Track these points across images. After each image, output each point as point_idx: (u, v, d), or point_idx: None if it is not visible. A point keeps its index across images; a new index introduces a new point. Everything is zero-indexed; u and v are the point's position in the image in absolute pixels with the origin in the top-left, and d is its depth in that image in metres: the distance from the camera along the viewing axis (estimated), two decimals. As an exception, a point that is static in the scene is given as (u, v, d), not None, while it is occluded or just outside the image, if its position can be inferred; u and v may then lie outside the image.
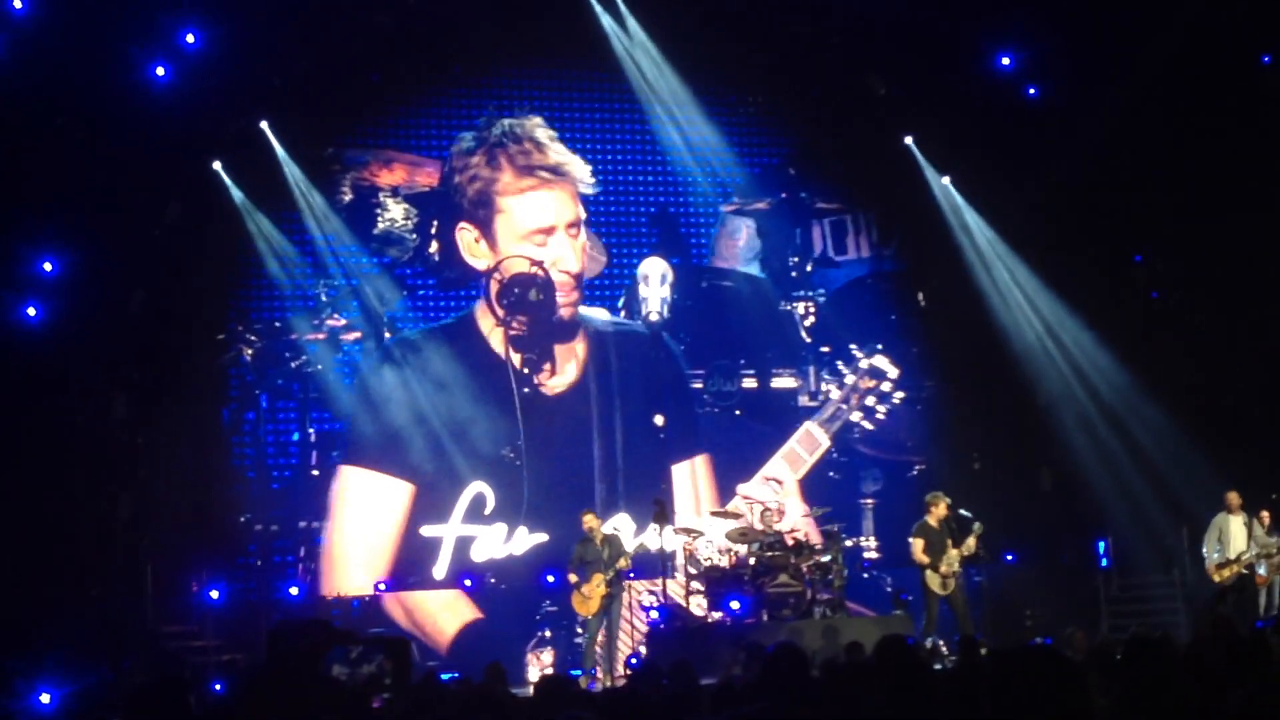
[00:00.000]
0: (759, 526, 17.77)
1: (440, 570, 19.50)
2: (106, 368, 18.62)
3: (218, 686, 12.91)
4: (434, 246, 20.10)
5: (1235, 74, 19.72)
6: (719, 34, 20.63)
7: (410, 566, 19.41)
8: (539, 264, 19.76)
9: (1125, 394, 20.40)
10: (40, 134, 17.50)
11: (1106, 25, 19.57)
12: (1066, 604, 19.56)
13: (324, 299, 19.72)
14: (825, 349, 21.02)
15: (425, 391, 19.64)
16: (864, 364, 20.62)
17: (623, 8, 20.50)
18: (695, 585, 17.73)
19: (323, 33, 19.31)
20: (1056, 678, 4.49)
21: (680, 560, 18.40)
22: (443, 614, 18.99)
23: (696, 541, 18.18)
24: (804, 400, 21.02)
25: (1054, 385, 21.07)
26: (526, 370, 19.92)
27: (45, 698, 13.84)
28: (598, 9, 20.46)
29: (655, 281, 20.55)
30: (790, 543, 17.38)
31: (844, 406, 20.57)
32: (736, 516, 18.44)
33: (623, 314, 20.86)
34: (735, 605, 16.79)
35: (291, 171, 19.65)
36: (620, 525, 19.01)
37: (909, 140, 21.41)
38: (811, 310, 21.28)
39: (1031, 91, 20.90)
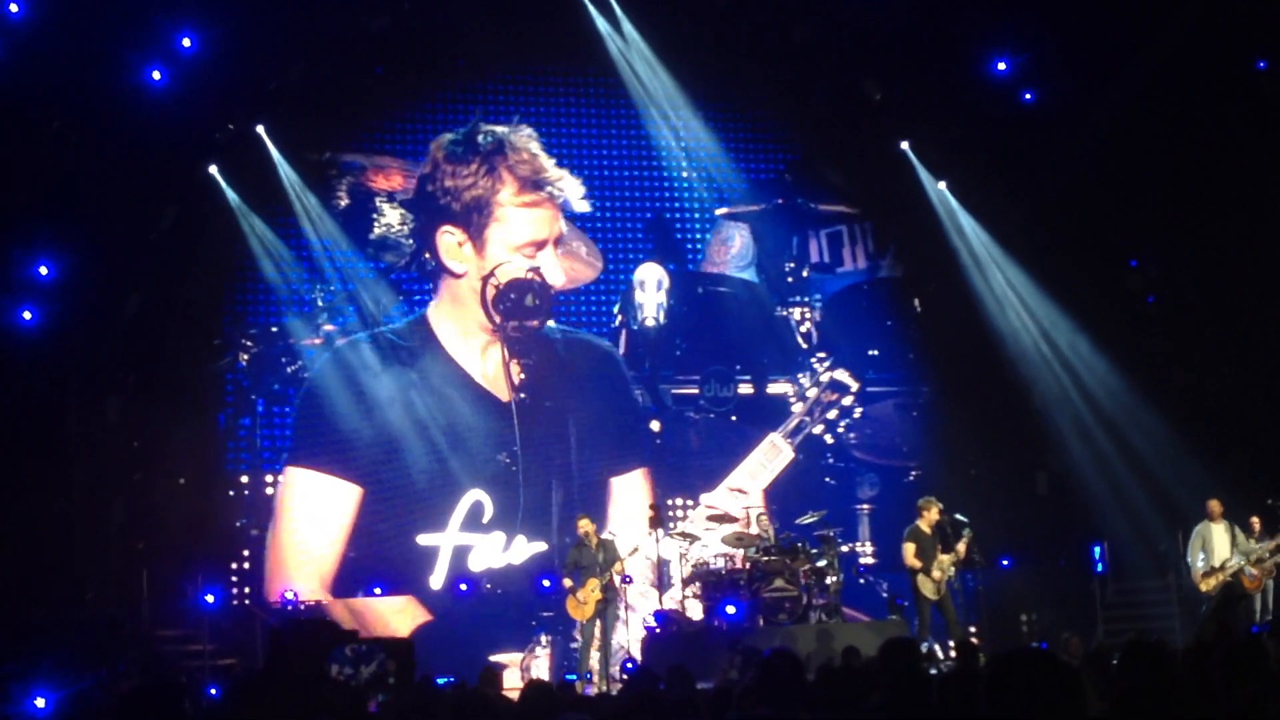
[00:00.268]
0: (755, 531, 17.76)
1: (437, 580, 19.46)
2: (102, 372, 18.60)
3: (213, 691, 12.88)
4: (429, 254, 20.07)
5: (1231, 80, 19.75)
6: (714, 38, 20.65)
7: (359, 572, 19.19)
8: (535, 270, 19.74)
9: (1121, 399, 20.42)
10: (36, 137, 17.51)
11: (1102, 31, 19.59)
12: (1062, 609, 19.60)
13: (320, 304, 19.71)
14: (822, 355, 21.02)
15: (374, 394, 19.54)
16: (825, 377, 20.66)
17: (619, 13, 20.50)
18: (691, 589, 17.72)
19: (319, 37, 19.31)
20: (1051, 682, 4.49)
21: (676, 565, 18.37)
22: (396, 617, 18.75)
23: (692, 546, 18.17)
24: (799, 406, 21.02)
25: (1050, 390, 21.09)
26: (525, 376, 19.88)
27: (40, 702, 13.83)
28: (594, 14, 20.47)
29: (651, 287, 20.58)
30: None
31: (807, 419, 20.61)
32: (732, 521, 18.43)
33: (618, 319, 20.85)
34: (731, 610, 16.78)
35: (287, 176, 19.65)
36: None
37: (905, 145, 21.42)
38: (808, 316, 21.31)
39: (1028, 96, 20.90)
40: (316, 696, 6.06)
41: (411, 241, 20.03)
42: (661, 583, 18.00)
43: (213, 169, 19.24)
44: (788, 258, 21.41)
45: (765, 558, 17.22)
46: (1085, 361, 20.82)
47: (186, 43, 18.28)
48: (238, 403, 19.57)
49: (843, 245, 22.04)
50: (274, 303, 19.87)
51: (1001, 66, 20.79)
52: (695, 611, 17.69)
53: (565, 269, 20.36)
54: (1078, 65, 20.13)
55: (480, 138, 20.05)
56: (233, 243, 19.54)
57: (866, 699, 6.72)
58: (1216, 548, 17.46)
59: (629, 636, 17.52)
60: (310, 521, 19.34)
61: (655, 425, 20.56)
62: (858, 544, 20.63)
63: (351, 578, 19.25)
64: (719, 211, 21.60)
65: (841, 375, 20.66)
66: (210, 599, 17.90)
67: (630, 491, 20.30)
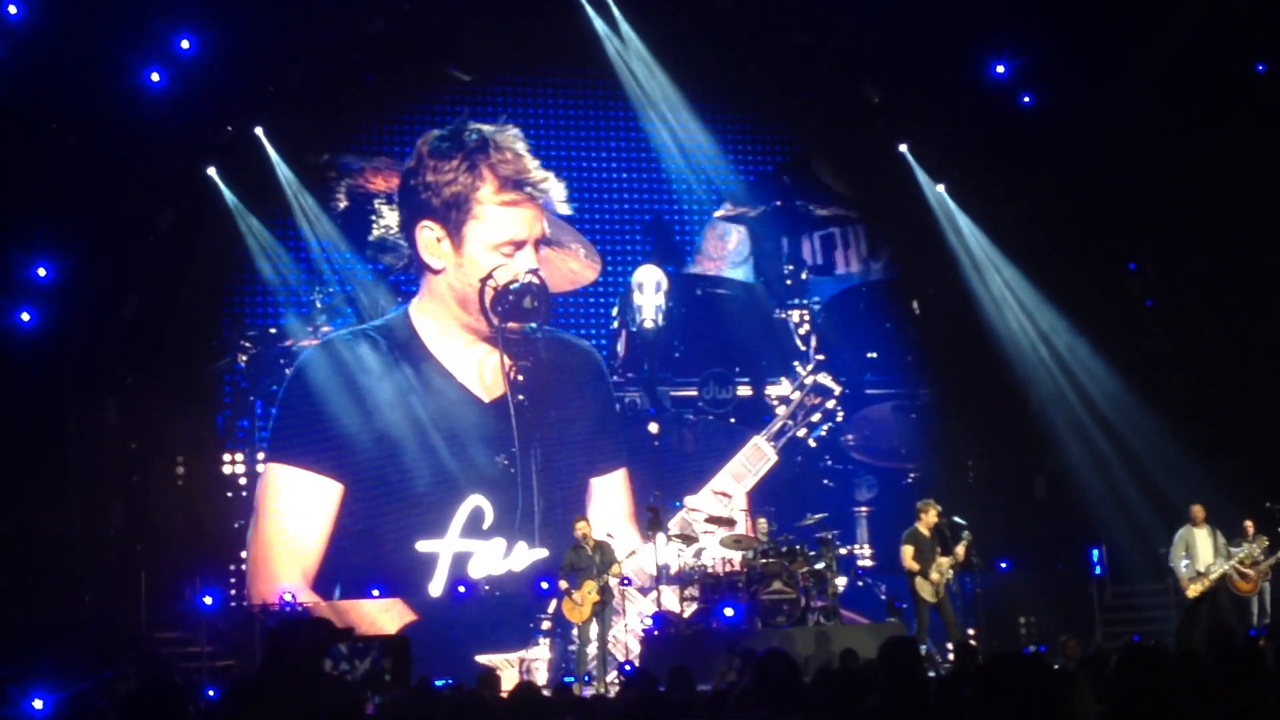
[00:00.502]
0: (753, 533, 17.76)
1: (437, 586, 19.42)
2: (101, 373, 18.60)
3: (211, 693, 12.89)
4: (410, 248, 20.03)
5: (1229, 83, 19.75)
6: (713, 40, 20.64)
7: (357, 574, 19.13)
8: (534, 272, 19.73)
9: (1120, 401, 20.42)
10: (35, 139, 17.51)
11: (1101, 33, 19.59)
12: (1060, 611, 19.59)
13: (319, 305, 19.70)
14: (820, 357, 21.02)
15: (355, 391, 19.47)
16: (808, 381, 20.65)
17: (617, 14, 20.50)
18: (690, 591, 17.71)
19: (317, 39, 19.30)
20: (1044, 686, 4.49)
21: (674, 567, 18.36)
22: (381, 616, 18.68)
23: (690, 548, 18.15)
24: (783, 410, 21.00)
25: (1048, 392, 21.09)
26: (522, 378, 19.87)
27: (39, 704, 13.84)
28: (591, 14, 20.46)
29: (650, 289, 20.58)
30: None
31: (790, 423, 20.61)
32: (731, 523, 18.42)
33: (617, 321, 20.85)
34: (729, 612, 16.76)
35: (286, 177, 19.64)
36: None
37: (903, 147, 21.43)
38: (806, 318, 21.32)
39: (1026, 99, 20.90)
40: (314, 698, 6.04)
41: (407, 242, 20.03)
42: (659, 584, 18.00)
43: (211, 171, 19.22)
44: (785, 259, 21.42)
45: (764, 560, 17.22)
46: (1084, 364, 20.82)
47: (185, 44, 18.25)
48: (236, 404, 19.56)
49: (835, 248, 22.04)
50: (272, 304, 19.86)
51: (1000, 69, 20.78)
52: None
53: (559, 270, 20.33)
54: (1076, 67, 20.14)
55: (466, 135, 20.01)
56: (231, 244, 19.54)
57: (864, 701, 6.72)
58: (1200, 553, 17.48)
59: (626, 638, 17.50)
60: (291, 517, 19.20)
61: (654, 427, 20.54)
62: (856, 546, 20.63)
63: (342, 578, 19.18)
64: (717, 214, 21.60)
65: (825, 379, 20.69)
66: (208, 601, 17.90)
67: (610, 492, 20.28)
